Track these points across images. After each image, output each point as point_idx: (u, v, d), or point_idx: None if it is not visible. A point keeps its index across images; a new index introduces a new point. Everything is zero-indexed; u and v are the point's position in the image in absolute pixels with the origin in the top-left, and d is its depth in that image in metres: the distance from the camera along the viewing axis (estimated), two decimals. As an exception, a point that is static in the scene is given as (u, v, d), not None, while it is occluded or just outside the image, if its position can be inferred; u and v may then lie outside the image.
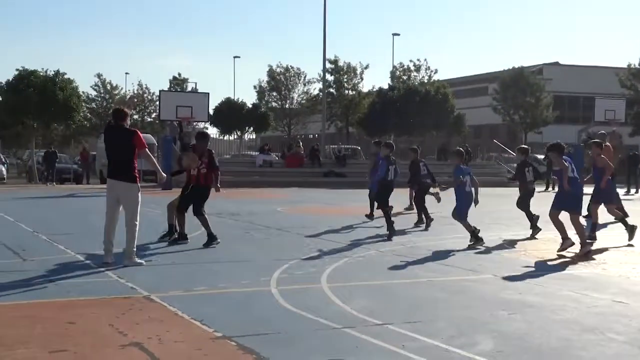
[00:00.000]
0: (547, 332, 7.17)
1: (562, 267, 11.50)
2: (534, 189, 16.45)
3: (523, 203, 16.09)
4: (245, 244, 13.91)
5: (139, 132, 11.12)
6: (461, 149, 15.66)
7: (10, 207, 21.62)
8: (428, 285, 9.64)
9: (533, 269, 11.27)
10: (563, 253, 12.81)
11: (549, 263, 11.87)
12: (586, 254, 12.57)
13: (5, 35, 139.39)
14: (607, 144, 19.56)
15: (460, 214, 14.07)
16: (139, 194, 11.04)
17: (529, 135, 64.35)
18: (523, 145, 17.87)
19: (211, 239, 13.33)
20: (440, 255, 12.49)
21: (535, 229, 15.56)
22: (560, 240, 13.14)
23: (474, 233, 13.86)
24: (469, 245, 13.65)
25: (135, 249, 11.04)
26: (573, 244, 13.06)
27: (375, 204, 17.95)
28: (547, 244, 14.40)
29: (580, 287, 9.58)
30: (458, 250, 13.12)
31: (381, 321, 7.43)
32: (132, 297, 8.51)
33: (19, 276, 9.83)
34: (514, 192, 24.14)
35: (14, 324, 7.16)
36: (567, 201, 13.36)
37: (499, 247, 13.78)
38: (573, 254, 12.67)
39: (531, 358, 6.34)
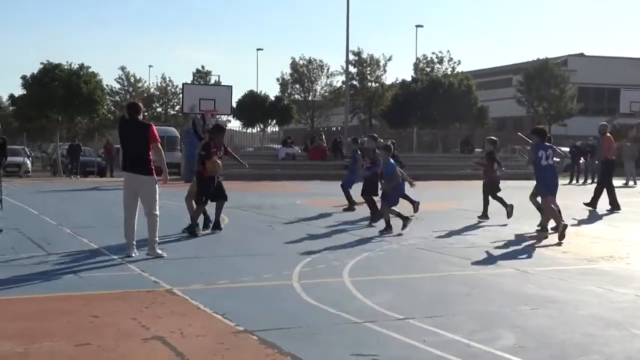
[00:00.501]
0: (570, 328, 7.15)
1: (585, 261, 11.44)
2: (499, 178, 17.57)
3: (493, 191, 17.33)
4: (268, 238, 13.96)
5: (153, 126, 11.16)
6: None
7: (34, 200, 21.82)
8: (449, 279, 9.64)
9: (556, 263, 11.22)
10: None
11: (572, 257, 11.81)
12: (561, 233, 13.52)
13: (31, 29, 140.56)
14: (608, 134, 20.50)
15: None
16: (156, 186, 11.13)
17: (553, 128, 63.95)
18: (492, 137, 18.70)
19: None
20: (462, 248, 12.47)
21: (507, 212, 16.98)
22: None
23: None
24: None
25: (157, 240, 11.13)
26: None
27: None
28: (570, 237, 14.32)
29: (604, 282, 9.54)
30: (480, 245, 13.09)
31: (402, 315, 7.44)
32: (155, 290, 8.58)
33: (44, 269, 9.94)
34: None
35: (40, 317, 7.25)
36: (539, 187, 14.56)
37: (523, 240, 13.71)
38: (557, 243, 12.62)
39: (554, 353, 6.32)
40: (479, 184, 24.94)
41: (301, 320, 7.25)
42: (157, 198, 11.17)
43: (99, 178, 39.94)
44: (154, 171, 11.08)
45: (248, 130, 69.46)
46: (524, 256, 11.84)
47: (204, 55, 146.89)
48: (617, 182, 37.78)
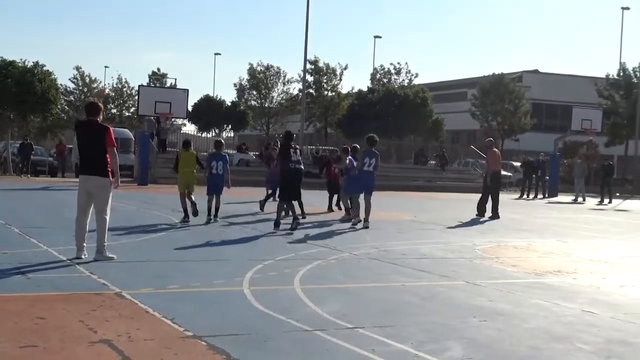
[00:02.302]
0: (516, 340, 7.22)
1: (533, 275, 11.58)
2: None
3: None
4: (221, 243, 13.89)
5: (110, 129, 11.08)
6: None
7: (-17, 199, 21.45)
8: (400, 290, 9.68)
9: (505, 276, 11.34)
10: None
11: (522, 271, 11.94)
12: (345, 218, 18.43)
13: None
14: (494, 149, 23.06)
15: None
16: (111, 188, 11.07)
17: (505, 142, 64.73)
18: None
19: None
20: (414, 260, 12.54)
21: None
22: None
23: None
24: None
25: (105, 243, 10.98)
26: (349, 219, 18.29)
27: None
28: (520, 252, 14.51)
29: (551, 296, 9.66)
30: (432, 256, 13.18)
31: (352, 325, 7.45)
32: (104, 293, 8.48)
33: (-10, 269, 9.77)
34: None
35: (-17, 318, 7.12)
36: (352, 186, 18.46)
37: (473, 254, 13.84)
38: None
39: (500, 366, 6.38)
40: (432, 195, 25.05)
41: (251, 327, 7.22)
42: (110, 201, 11.11)
43: (50, 178, 39.44)
44: (110, 173, 10.98)
45: (203, 135, 69.16)
46: (474, 269, 11.94)
47: (160, 57, 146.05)
48: (566, 198, 38.55)
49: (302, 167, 16.86)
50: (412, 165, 51.80)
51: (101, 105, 11.32)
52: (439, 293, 9.60)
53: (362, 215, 17.91)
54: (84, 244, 10.95)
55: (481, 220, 21.51)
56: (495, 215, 22.00)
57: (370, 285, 10.02)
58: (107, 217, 11.03)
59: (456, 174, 49.78)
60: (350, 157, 19.55)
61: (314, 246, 13.70)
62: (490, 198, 22.36)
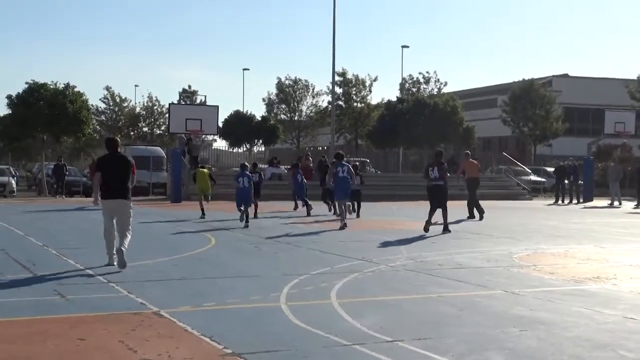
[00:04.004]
0: (558, 350, 7.15)
1: (572, 282, 11.46)
2: None
3: None
4: (255, 259, 13.92)
5: (132, 161, 12.87)
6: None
7: (20, 221, 21.69)
8: (438, 301, 9.63)
9: (544, 284, 11.23)
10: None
11: (560, 279, 11.82)
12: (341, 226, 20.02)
13: (16, 48, 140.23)
14: (471, 159, 26.11)
15: None
16: (131, 209, 12.63)
17: (538, 148, 64.27)
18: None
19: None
20: (451, 270, 12.47)
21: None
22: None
23: None
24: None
25: (125, 250, 11.97)
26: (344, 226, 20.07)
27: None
28: (558, 258, 14.37)
29: (592, 303, 9.55)
30: (468, 266, 13.09)
31: (391, 338, 7.42)
32: (142, 312, 8.52)
33: (29, 291, 9.87)
34: (525, 205, 24.19)
35: (26, 340, 7.18)
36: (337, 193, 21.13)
37: (510, 262, 13.73)
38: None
39: (542, 376, 6.31)
40: (465, 204, 24.96)
41: (290, 342, 7.22)
42: (131, 220, 12.61)
43: (84, 198, 39.74)
44: (130, 196, 12.58)
45: (234, 150, 69.40)
46: (511, 277, 11.83)
47: (190, 75, 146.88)
48: (602, 202, 38.13)
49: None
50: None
51: (119, 139, 13.34)
52: (477, 303, 9.53)
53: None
54: (114, 252, 12.13)
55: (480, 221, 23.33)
56: (471, 215, 24.69)
57: (407, 297, 9.97)
58: (129, 233, 12.44)
59: (489, 182, 49.43)
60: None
61: (349, 259, 13.66)
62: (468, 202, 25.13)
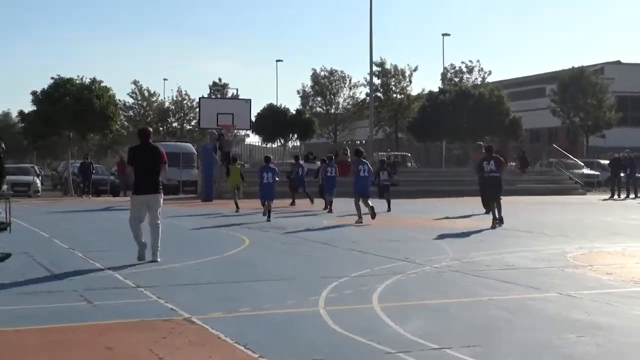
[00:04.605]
0: (619, 357, 6.98)
1: (632, 284, 11.22)
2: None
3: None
4: (291, 260, 13.85)
5: (163, 151, 13.64)
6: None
7: (45, 222, 21.85)
8: (488, 305, 9.46)
9: (601, 286, 11.01)
10: None
11: (619, 279, 11.58)
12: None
13: (41, 43, 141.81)
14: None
15: None
16: (161, 199, 13.54)
17: (590, 139, 63.52)
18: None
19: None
20: (500, 271, 12.29)
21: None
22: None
23: None
24: None
25: (159, 247, 13.15)
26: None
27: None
28: (615, 258, 14.11)
29: (654, 306, 9.33)
30: (519, 266, 12.89)
31: (438, 345, 7.28)
32: (173, 319, 8.46)
33: (55, 297, 9.87)
34: (578, 201, 23.92)
35: (51, 349, 7.16)
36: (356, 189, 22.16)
37: (564, 262, 13.51)
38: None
39: (604, 386, 6.14)
40: (514, 200, 24.69)
41: (330, 350, 7.11)
42: (160, 209, 13.49)
43: (112, 197, 40.03)
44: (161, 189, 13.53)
45: (268, 145, 69.52)
46: (566, 278, 11.62)
47: (220, 68, 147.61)
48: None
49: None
50: (490, 168, 51.11)
51: (150, 129, 14.21)
52: (529, 307, 9.35)
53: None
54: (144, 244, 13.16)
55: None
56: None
57: (454, 301, 9.80)
58: (160, 223, 13.42)
59: (538, 176, 48.93)
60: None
61: (390, 260, 13.53)
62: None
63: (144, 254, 13.08)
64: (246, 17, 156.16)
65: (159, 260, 13.00)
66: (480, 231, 19.03)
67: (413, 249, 15.17)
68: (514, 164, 50.52)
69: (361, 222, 21.11)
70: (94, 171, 41.30)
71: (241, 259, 13.88)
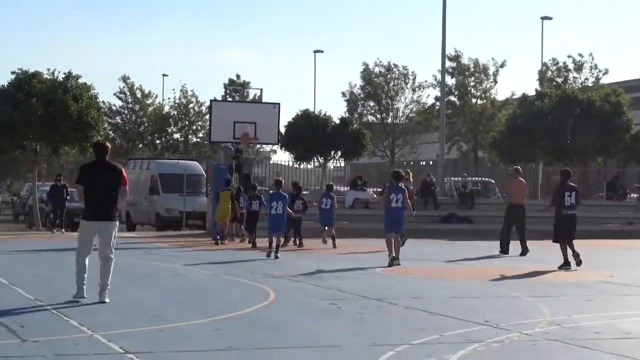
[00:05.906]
0: None
1: None
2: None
3: None
4: (332, 322, 13.92)
5: (122, 169, 15.22)
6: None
7: (4, 265, 22.07)
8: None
9: None
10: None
11: None
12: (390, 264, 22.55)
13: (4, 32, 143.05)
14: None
15: None
16: (116, 229, 15.06)
17: None
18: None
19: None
20: (614, 341, 12.30)
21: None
22: None
23: None
24: None
25: (109, 286, 14.81)
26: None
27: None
28: None
29: None
30: (638, 334, 12.89)
31: None
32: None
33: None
34: None
35: None
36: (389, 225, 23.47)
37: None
38: None
39: None
40: (634, 244, 24.63)
41: None
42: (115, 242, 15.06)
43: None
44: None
45: (302, 166, 69.73)
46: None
47: (239, 59, 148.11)
48: None
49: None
50: (603, 202, 50.84)
51: (109, 145, 15.61)
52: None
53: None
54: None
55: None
56: (524, 251, 27.35)
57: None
58: (113, 257, 15.02)
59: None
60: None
61: (465, 322, 13.58)
62: (516, 231, 27.79)
63: (83, 292, 14.89)
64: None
65: (107, 301, 14.52)
66: (587, 285, 19.00)
67: (495, 309, 15.22)
68: (636, 195, 50.17)
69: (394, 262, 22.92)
70: (68, 197, 41.05)
71: (264, 318, 13.93)
